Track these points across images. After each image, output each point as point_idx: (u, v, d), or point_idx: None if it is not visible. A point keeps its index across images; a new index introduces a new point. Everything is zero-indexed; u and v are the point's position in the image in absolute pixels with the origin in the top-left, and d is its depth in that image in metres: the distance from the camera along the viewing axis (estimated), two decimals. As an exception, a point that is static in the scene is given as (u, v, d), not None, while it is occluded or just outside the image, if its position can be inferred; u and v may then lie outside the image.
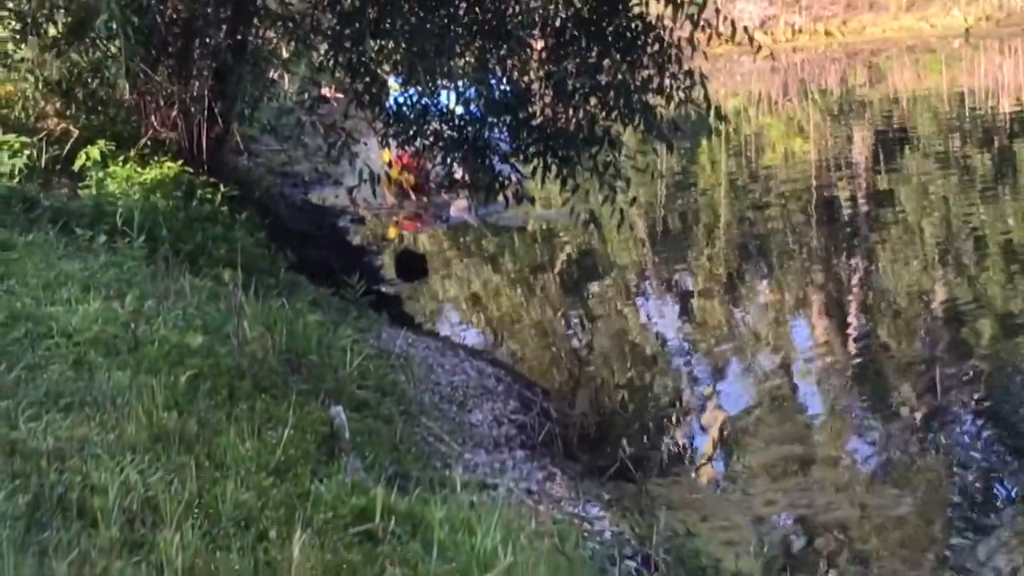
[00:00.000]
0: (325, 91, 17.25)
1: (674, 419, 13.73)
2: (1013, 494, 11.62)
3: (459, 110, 16.09)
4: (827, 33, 40.73)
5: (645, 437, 13.10)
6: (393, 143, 17.61)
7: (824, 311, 18.44)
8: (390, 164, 21.72)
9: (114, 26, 11.49)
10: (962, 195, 25.86)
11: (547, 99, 16.07)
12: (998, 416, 13.47)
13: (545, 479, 10.51)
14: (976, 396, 14.02)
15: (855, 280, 20.28)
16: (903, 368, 15.37)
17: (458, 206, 22.20)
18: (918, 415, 13.67)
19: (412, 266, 19.25)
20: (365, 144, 17.22)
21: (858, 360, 15.95)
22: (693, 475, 11.89)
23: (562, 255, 21.83)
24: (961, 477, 11.79)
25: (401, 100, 16.31)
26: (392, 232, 22.68)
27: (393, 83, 16.59)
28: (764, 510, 10.81)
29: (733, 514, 10.72)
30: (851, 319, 17.94)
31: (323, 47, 16.15)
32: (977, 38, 46.69)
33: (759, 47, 16.03)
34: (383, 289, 17.81)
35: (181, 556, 6.36)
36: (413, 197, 23.02)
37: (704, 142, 24.31)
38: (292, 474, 7.77)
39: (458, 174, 17.48)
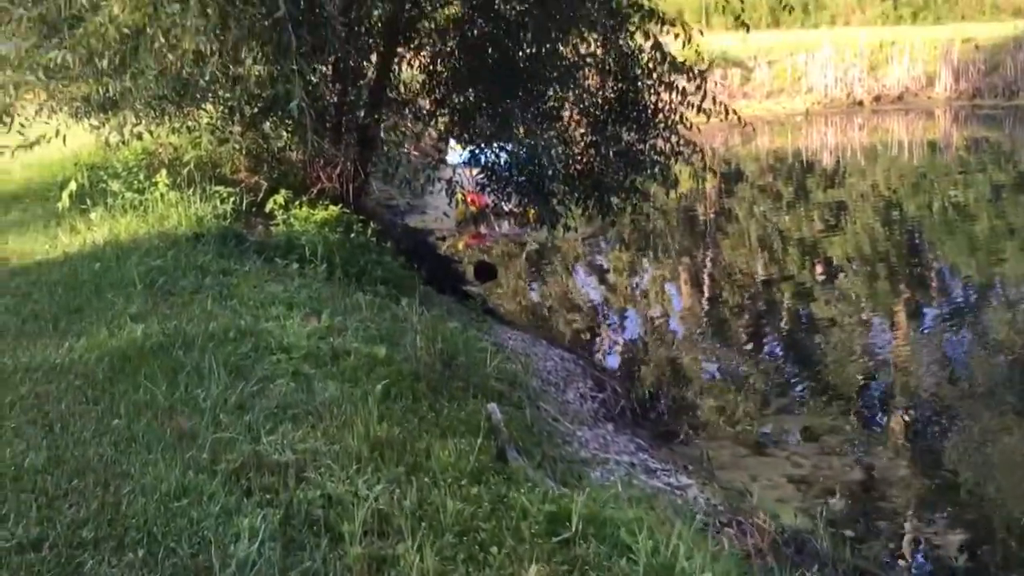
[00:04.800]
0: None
1: (701, 388, 11.66)
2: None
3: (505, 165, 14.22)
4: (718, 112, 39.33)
5: (683, 405, 11.07)
6: (466, 185, 15.62)
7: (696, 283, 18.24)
8: (466, 201, 19.59)
9: (302, 107, 9.48)
10: (776, 210, 25.21)
11: (592, 160, 14.06)
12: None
13: (637, 450, 8.51)
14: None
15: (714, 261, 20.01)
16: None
17: (504, 228, 20.14)
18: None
19: (486, 271, 17.21)
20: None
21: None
22: (731, 438, 9.82)
23: (588, 260, 19.81)
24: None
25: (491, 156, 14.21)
26: (461, 245, 20.57)
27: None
28: (793, 471, 8.82)
29: (772, 474, 8.76)
30: (713, 289, 17.63)
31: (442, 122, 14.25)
32: (812, 115, 45.29)
33: (742, 120, 13.99)
34: (468, 289, 15.73)
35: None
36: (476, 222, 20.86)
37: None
38: (486, 479, 5.75)
39: (507, 207, 15.52)
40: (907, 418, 10.21)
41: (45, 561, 4.50)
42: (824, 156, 37.94)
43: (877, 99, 47.27)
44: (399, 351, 8.06)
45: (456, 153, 15.75)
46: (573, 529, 5.08)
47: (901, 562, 7.06)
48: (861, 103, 47.15)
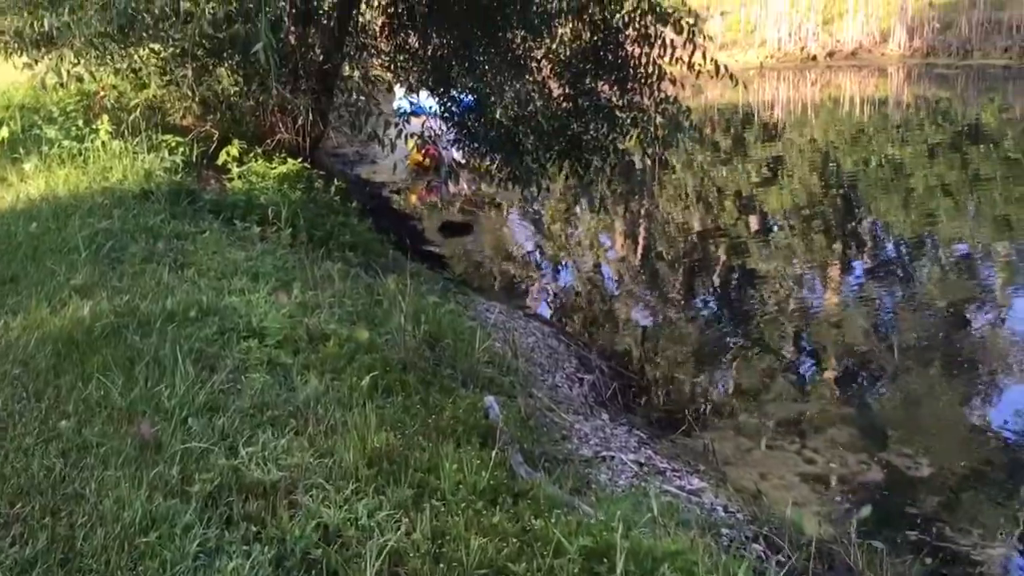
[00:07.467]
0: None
1: (688, 363, 10.92)
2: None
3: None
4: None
5: (678, 389, 10.29)
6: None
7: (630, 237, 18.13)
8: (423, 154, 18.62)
9: (267, 51, 8.54)
10: (714, 163, 25.62)
11: (570, 116, 13.13)
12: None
13: (640, 444, 7.77)
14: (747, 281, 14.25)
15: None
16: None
17: (461, 186, 19.18)
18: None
19: (456, 229, 16.31)
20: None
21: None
22: (732, 428, 9.03)
23: (528, 213, 19.09)
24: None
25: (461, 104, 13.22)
26: (413, 198, 19.61)
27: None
28: (806, 468, 8.15)
29: (784, 471, 8.08)
30: (649, 242, 17.67)
31: (414, 71, 13.22)
32: (766, 70, 44.84)
33: (735, 79, 13.07)
34: (430, 249, 14.86)
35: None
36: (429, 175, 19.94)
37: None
38: (503, 500, 4.98)
39: (475, 163, 14.51)
40: (928, 409, 9.51)
41: (-17, 619, 3.66)
42: (775, 111, 37.59)
43: (831, 54, 46.91)
44: (380, 332, 7.24)
45: (407, 100, 14.80)
46: (619, 572, 4.33)
47: (941, 580, 6.42)
48: (815, 58, 46.76)
